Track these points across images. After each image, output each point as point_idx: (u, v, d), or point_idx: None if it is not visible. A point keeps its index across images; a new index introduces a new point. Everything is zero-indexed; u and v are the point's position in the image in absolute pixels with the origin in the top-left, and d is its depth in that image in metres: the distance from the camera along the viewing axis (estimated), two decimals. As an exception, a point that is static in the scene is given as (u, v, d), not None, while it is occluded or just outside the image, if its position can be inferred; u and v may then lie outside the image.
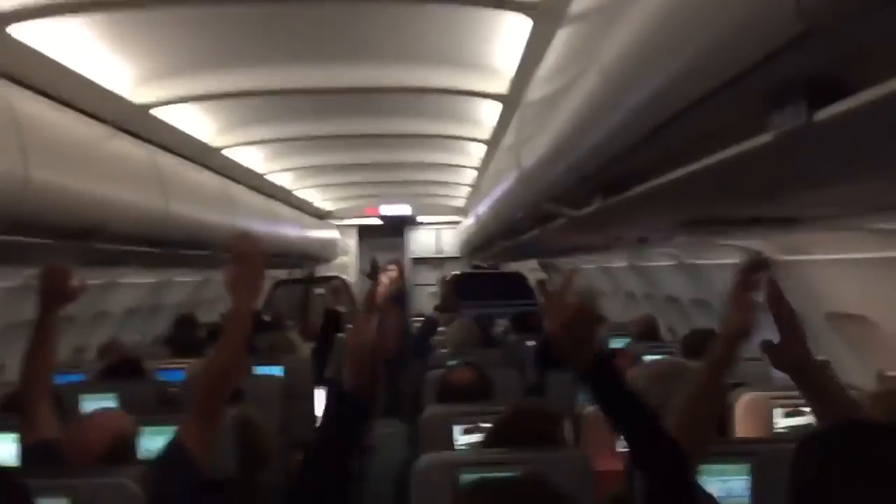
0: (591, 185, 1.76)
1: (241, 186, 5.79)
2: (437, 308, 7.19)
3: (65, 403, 3.08)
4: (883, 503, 1.26)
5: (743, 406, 2.73)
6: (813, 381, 1.73)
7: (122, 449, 2.24)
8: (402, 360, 8.92)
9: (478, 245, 6.88)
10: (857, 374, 3.08)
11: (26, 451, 2.45)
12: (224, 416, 2.25)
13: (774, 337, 1.69)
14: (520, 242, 4.26)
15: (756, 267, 1.68)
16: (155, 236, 3.47)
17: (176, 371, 4.46)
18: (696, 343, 3.28)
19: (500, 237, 4.80)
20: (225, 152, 5.19)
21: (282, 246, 6.76)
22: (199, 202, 4.24)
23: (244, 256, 2.06)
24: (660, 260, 5.02)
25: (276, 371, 4.46)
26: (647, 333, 4.79)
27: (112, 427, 2.28)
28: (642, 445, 1.56)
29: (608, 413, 1.57)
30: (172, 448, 2.09)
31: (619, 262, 6.13)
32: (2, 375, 4.40)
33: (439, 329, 5.80)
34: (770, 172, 1.47)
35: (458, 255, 10.71)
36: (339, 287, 6.39)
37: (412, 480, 2.11)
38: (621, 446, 1.91)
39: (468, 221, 7.84)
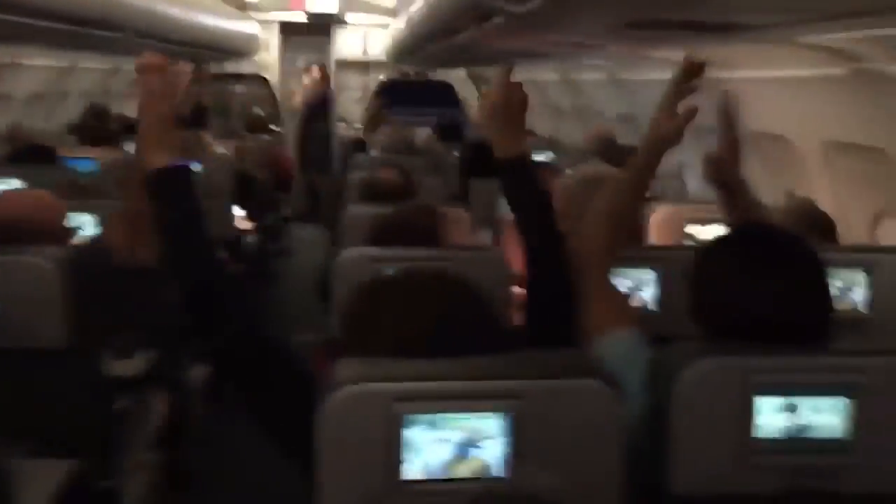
0: (536, -24, 1.68)
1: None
2: (364, 126, 7.07)
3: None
4: (770, 301, 1.33)
5: (657, 218, 2.81)
6: (738, 199, 1.78)
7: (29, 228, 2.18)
8: (323, 167, 8.88)
9: (407, 49, 6.67)
10: (771, 193, 3.19)
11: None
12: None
13: (692, 153, 1.71)
14: (452, 45, 4.13)
15: (692, 71, 1.67)
16: (60, 10, 3.21)
17: (87, 160, 4.31)
18: (618, 156, 3.31)
19: (432, 39, 4.65)
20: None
21: (197, 35, 6.39)
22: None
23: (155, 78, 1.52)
24: (591, 73, 4.98)
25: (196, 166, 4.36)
26: (603, 151, 4.11)
27: (13, 208, 2.21)
28: (539, 252, 1.57)
29: (516, 210, 1.58)
30: (96, 239, 2.08)
31: (549, 74, 6.06)
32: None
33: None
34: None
35: (385, 61, 10.39)
36: None
37: (333, 274, 2.12)
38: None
39: (399, 23, 7.54)
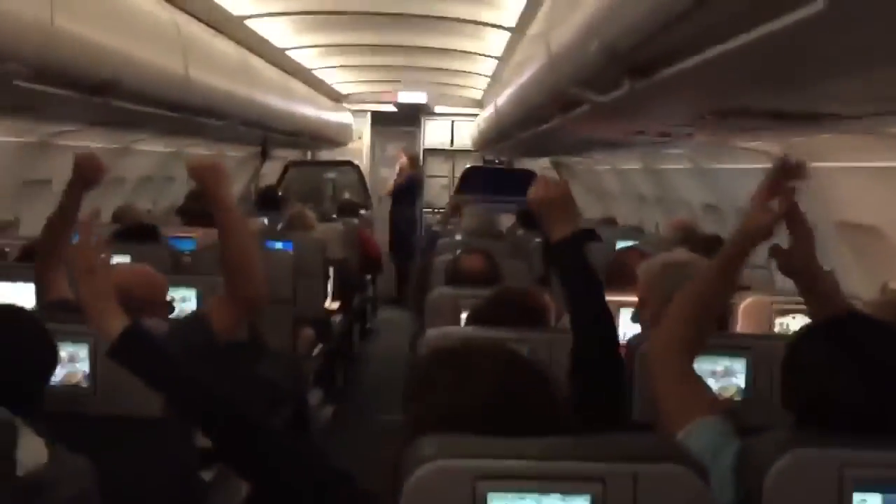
0: (621, 67, 1.74)
1: (260, 60, 5.71)
2: (441, 217, 7.22)
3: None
4: (869, 393, 1.30)
5: (744, 308, 2.78)
6: (816, 288, 1.76)
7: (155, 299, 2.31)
8: (409, 250, 9.03)
9: (493, 138, 6.83)
10: (863, 285, 3.11)
11: (45, 307, 2.53)
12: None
13: (783, 242, 1.70)
14: (537, 134, 4.22)
15: (789, 170, 1.64)
16: (172, 99, 3.45)
17: (188, 240, 4.53)
18: (701, 246, 3.29)
19: (517, 128, 4.76)
20: (247, 23, 5.10)
21: (296, 125, 6.71)
22: (217, 70, 4.19)
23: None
24: (674, 163, 4.99)
25: (287, 247, 4.53)
26: (685, 241, 4.12)
27: (148, 276, 2.35)
28: (587, 331, 1.67)
29: (565, 287, 1.70)
30: (196, 315, 2.18)
31: (632, 163, 6.09)
32: (17, 230, 4.48)
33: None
34: (792, 58, 1.44)
35: (471, 149, 10.64)
36: None
37: (417, 353, 2.16)
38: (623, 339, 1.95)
39: (484, 114, 7.76)
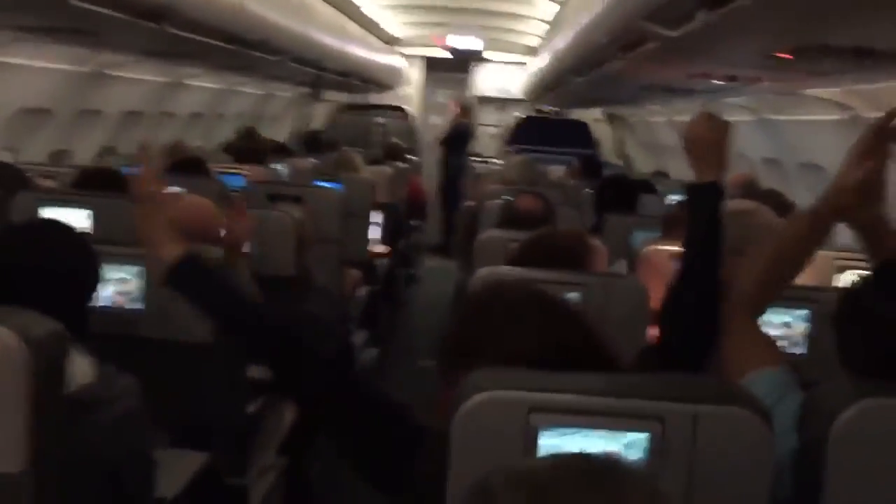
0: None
1: (314, -5, 5.63)
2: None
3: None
4: None
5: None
6: (883, 244, 1.66)
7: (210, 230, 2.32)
8: (457, 200, 8.99)
9: (548, 84, 6.69)
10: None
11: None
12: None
13: None
14: (595, 79, 4.11)
15: (888, 130, 1.52)
16: (226, 30, 3.41)
17: (237, 176, 4.54)
18: (766, 204, 3.19)
19: (576, 72, 4.63)
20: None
21: (347, 66, 6.65)
22: (273, 4, 4.12)
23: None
24: (735, 114, 4.82)
25: (336, 187, 4.51)
26: (745, 196, 4.35)
27: (203, 207, 2.35)
28: (696, 280, 1.59)
29: (690, 231, 1.61)
30: None
31: (689, 115, 5.92)
32: (71, 159, 4.53)
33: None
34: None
35: (522, 98, 10.47)
36: None
37: (465, 295, 2.12)
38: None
39: (539, 62, 7.59)
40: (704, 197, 1.62)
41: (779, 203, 3.32)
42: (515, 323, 1.25)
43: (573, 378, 1.15)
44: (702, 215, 1.61)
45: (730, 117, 5.13)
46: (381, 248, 5.20)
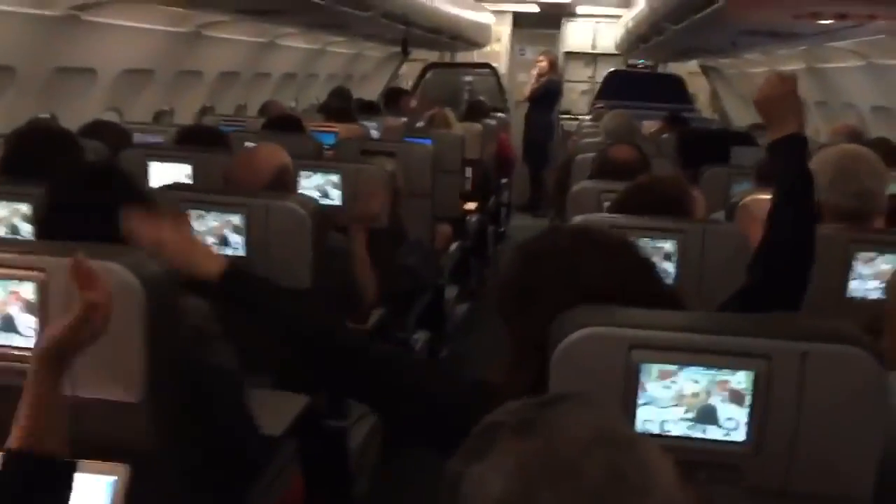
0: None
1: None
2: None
3: (233, 148, 3.27)
4: None
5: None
6: None
7: (286, 178, 2.36)
8: (545, 158, 8.86)
9: (642, 35, 6.50)
10: None
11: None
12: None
13: None
14: (693, 25, 3.96)
15: None
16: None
17: (329, 134, 4.61)
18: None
19: (673, 20, 4.47)
20: None
21: (436, 22, 6.61)
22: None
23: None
24: (842, 60, 4.59)
25: (427, 143, 4.52)
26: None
27: (277, 157, 2.40)
28: (788, 229, 1.60)
29: (779, 186, 1.63)
30: None
31: (791, 64, 5.67)
32: (172, 118, 4.69)
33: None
34: None
35: (614, 53, 10.22)
36: None
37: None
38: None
39: (633, 11, 7.37)
40: (788, 150, 1.64)
41: (889, 150, 3.17)
42: (575, 263, 1.23)
43: (676, 315, 1.14)
44: (789, 168, 1.63)
45: (836, 63, 4.89)
46: (471, 205, 5.21)
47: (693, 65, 9.57)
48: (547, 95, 9.40)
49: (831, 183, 2.02)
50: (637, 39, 7.04)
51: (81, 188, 1.58)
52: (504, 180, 7.42)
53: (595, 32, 11.01)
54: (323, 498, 2.24)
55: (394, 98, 7.21)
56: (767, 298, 1.56)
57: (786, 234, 1.61)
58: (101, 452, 1.26)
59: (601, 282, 1.21)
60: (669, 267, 1.94)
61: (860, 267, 2.03)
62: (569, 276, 1.22)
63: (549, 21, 11.02)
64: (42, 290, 1.29)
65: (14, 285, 1.29)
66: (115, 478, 1.27)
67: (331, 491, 2.34)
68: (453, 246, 4.53)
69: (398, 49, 7.14)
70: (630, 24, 7.55)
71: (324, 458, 2.26)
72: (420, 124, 5.57)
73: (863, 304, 2.01)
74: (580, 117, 9.24)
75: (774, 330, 1.11)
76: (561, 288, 1.21)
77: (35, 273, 1.29)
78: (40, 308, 1.29)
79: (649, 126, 6.23)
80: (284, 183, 2.34)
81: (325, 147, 4.12)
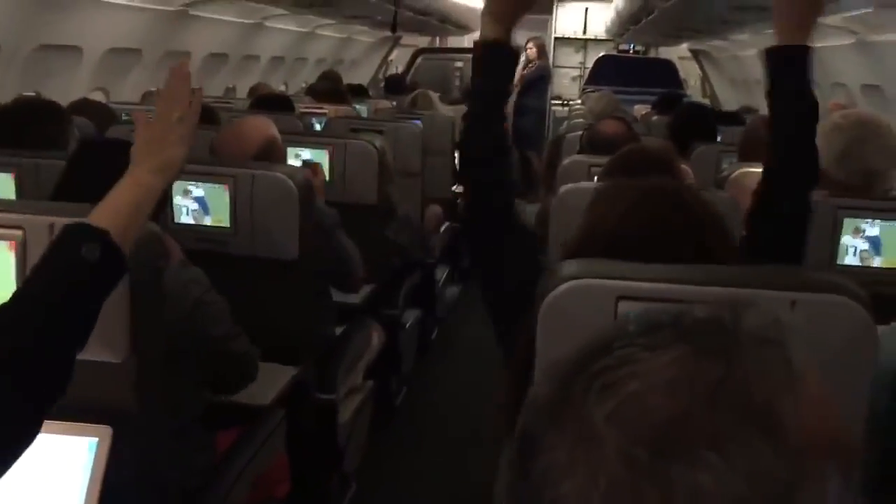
0: None
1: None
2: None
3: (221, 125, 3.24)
4: None
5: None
6: None
7: (273, 150, 2.34)
8: (535, 140, 8.85)
9: (635, 14, 6.47)
10: None
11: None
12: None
13: None
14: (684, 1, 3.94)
15: None
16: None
17: (318, 116, 4.58)
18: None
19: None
20: None
21: (425, 4, 6.58)
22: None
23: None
24: (832, 38, 4.58)
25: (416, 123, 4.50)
26: None
27: (265, 129, 2.37)
28: (790, 145, 1.44)
29: (775, 101, 1.44)
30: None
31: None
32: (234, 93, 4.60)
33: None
34: None
35: (605, 38, 10.20)
36: None
37: (553, 213, 2.10)
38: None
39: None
40: (794, 60, 1.42)
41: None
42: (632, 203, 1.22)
43: (663, 268, 1.12)
44: (790, 84, 1.42)
45: (826, 41, 4.87)
46: (461, 188, 5.17)
47: (683, 49, 9.55)
48: (537, 81, 9.37)
49: (836, 160, 1.99)
50: (628, 20, 7.02)
51: (100, 158, 1.58)
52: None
53: (586, 17, 10.98)
54: (310, 470, 2.23)
55: (395, 83, 7.23)
56: (763, 251, 1.44)
57: (789, 129, 1.43)
58: (83, 414, 1.25)
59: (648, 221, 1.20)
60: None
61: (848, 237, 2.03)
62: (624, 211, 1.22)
63: (541, 5, 10.97)
64: (21, 248, 1.27)
65: (-8, 243, 1.27)
66: (97, 439, 1.26)
67: (319, 465, 2.33)
68: (444, 226, 4.52)
69: (388, 34, 7.11)
70: (621, 5, 7.53)
71: (312, 432, 2.24)
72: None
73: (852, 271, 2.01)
74: (571, 103, 9.21)
75: (763, 280, 1.10)
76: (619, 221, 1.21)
77: (13, 231, 1.27)
78: (18, 267, 1.27)
79: (640, 110, 6.23)
80: (272, 155, 2.32)
81: (312, 133, 4.10)
